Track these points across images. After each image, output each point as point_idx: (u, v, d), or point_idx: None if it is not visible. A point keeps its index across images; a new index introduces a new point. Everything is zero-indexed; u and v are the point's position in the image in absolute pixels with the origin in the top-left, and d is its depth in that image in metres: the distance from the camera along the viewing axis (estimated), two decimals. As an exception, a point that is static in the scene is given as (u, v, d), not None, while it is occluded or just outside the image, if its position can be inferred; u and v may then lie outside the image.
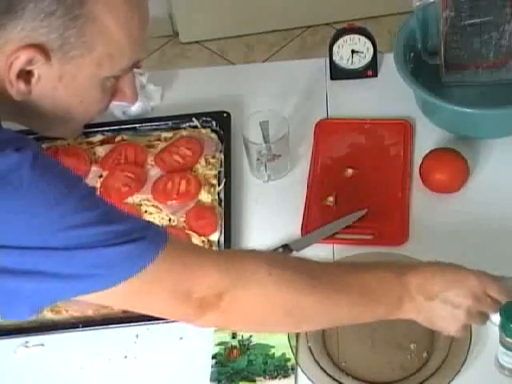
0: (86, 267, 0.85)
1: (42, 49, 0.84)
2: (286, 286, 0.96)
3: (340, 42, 1.48)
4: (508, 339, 1.04)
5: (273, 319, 0.98)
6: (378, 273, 1.01)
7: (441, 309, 1.01)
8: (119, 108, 1.49)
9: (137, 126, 1.48)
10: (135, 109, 1.49)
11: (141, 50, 0.93)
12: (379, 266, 1.04)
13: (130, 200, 1.36)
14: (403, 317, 1.02)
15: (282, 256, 1.16)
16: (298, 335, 1.15)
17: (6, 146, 0.82)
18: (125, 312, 1.21)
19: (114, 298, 0.90)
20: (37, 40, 0.84)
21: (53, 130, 0.98)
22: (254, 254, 1.01)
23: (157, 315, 0.98)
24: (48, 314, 1.22)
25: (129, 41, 0.89)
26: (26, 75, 0.86)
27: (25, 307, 0.88)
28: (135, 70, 1.41)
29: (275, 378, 1.12)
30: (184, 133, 1.46)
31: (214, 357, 1.15)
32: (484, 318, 1.04)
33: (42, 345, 1.21)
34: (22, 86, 0.86)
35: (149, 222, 0.95)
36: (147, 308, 0.95)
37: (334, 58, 1.50)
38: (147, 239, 0.87)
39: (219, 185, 1.36)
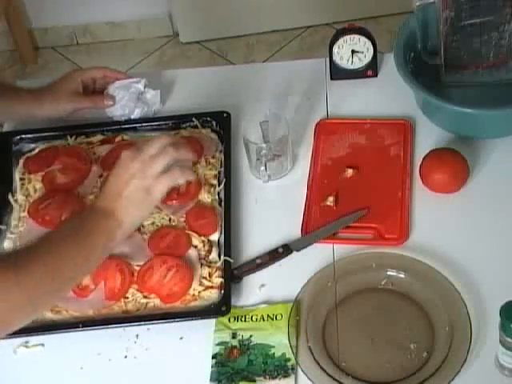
0: None
1: None
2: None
3: (340, 42, 1.48)
4: (508, 339, 1.04)
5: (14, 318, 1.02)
6: (72, 222, 1.15)
7: (131, 197, 1.14)
8: (119, 115, 1.49)
9: (137, 126, 1.48)
10: (135, 116, 1.49)
11: None
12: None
13: (130, 200, 1.36)
14: (123, 229, 1.14)
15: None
16: (298, 335, 1.16)
17: None
18: (125, 312, 1.22)
19: None
20: None
21: None
22: None
23: None
24: (48, 314, 1.22)
25: None
26: None
27: None
28: (131, 79, 1.47)
29: (275, 378, 1.12)
30: (184, 133, 1.46)
31: (214, 357, 1.15)
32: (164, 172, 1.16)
33: (42, 345, 1.21)
34: None
35: None
36: None
37: (333, 58, 1.50)
38: None
39: (219, 185, 1.36)
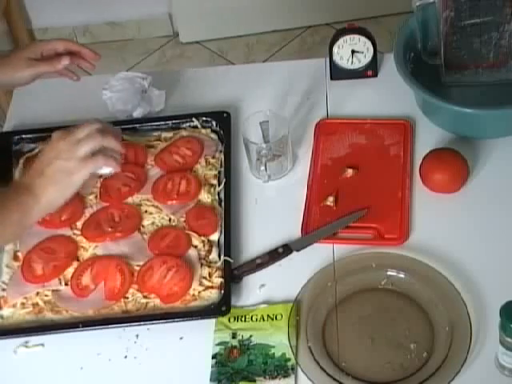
0: None
1: None
2: None
3: (340, 42, 1.48)
4: (508, 339, 1.04)
5: None
6: None
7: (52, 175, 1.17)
8: (122, 113, 1.49)
9: (137, 126, 1.48)
10: (136, 114, 1.49)
11: None
12: None
13: (129, 200, 1.36)
14: (40, 207, 1.17)
15: None
16: (298, 335, 1.16)
17: None
18: (125, 312, 1.22)
19: None
20: None
21: None
22: None
23: None
24: (48, 314, 1.22)
25: None
26: None
27: None
28: (137, 74, 1.44)
29: (275, 378, 1.12)
30: (184, 133, 1.46)
31: (214, 357, 1.15)
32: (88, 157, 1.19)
33: (42, 345, 1.21)
34: None
35: None
36: None
37: (333, 58, 1.50)
38: None
39: (219, 185, 1.36)
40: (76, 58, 1.44)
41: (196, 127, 1.46)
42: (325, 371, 1.11)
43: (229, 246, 1.26)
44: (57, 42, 1.45)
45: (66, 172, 1.18)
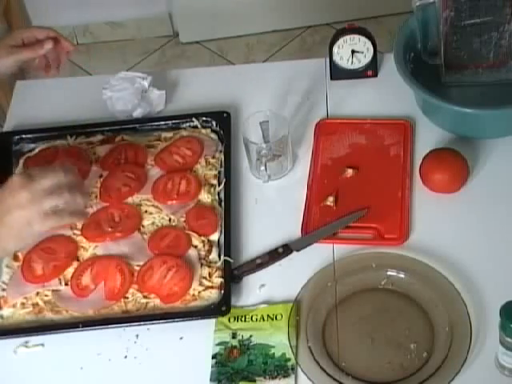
0: None
1: None
2: None
3: (340, 42, 1.48)
4: (508, 339, 1.04)
5: None
6: None
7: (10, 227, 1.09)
8: (121, 110, 1.49)
9: (137, 126, 1.48)
10: (136, 114, 1.49)
11: None
12: None
13: (129, 200, 1.36)
14: None
15: None
16: (298, 335, 1.16)
17: None
18: (125, 312, 1.22)
19: None
20: None
21: None
22: None
23: None
24: (48, 314, 1.22)
25: None
26: None
27: None
28: (137, 74, 1.40)
29: (275, 378, 1.12)
30: (184, 133, 1.46)
31: (214, 357, 1.15)
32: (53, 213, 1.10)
33: (42, 345, 1.21)
34: None
35: None
36: None
37: (334, 58, 1.50)
38: None
39: (219, 185, 1.36)
40: (57, 46, 1.43)
41: (196, 127, 1.46)
42: (325, 371, 1.11)
43: (229, 246, 1.26)
44: (37, 30, 1.43)
45: (26, 223, 1.09)
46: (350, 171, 1.37)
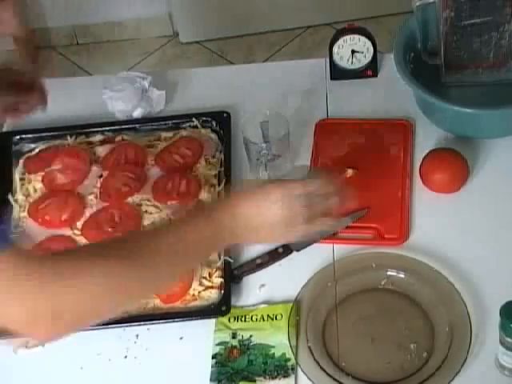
0: None
1: None
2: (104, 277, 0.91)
3: (340, 42, 1.48)
4: (508, 339, 1.04)
5: (101, 310, 0.95)
6: (187, 227, 1.01)
7: (264, 228, 1.05)
8: (122, 113, 1.49)
9: (137, 126, 1.48)
10: (136, 114, 1.49)
11: None
12: (185, 219, 1.04)
13: (129, 200, 1.36)
14: (231, 244, 1.10)
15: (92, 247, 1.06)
16: (298, 335, 1.15)
17: None
18: (125, 312, 1.21)
19: None
20: None
21: None
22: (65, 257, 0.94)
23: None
24: (48, 314, 1.22)
25: None
26: None
27: None
28: (137, 74, 1.36)
29: (275, 378, 1.12)
30: (184, 133, 1.46)
31: (214, 357, 1.15)
32: (317, 219, 1.08)
33: (42, 345, 1.20)
34: None
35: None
36: None
37: (334, 57, 1.50)
38: None
39: (219, 185, 1.36)
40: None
41: (196, 127, 1.46)
42: (325, 371, 1.11)
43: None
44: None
45: (286, 224, 1.06)
46: (349, 171, 1.37)
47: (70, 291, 0.88)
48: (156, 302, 1.22)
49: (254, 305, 1.21)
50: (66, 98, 1.57)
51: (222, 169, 1.38)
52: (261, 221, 1.05)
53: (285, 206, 1.05)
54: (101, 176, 1.40)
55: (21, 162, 1.44)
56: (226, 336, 1.17)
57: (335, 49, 1.49)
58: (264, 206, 1.05)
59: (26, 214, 1.35)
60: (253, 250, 1.28)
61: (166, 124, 1.47)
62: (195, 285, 1.22)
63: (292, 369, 1.13)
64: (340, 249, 1.27)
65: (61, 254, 0.94)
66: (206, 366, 1.15)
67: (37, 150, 1.45)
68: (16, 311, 0.86)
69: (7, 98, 1.24)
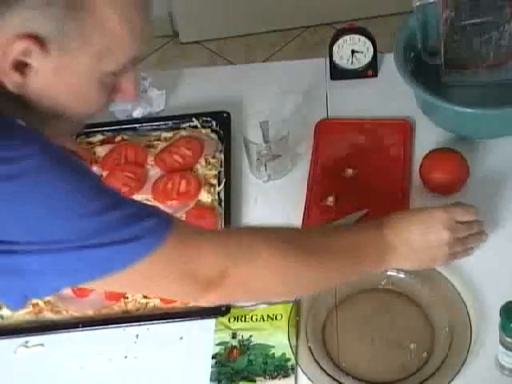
0: (114, 244, 0.85)
1: (39, 40, 0.81)
2: (282, 259, 0.99)
3: (340, 42, 1.48)
4: (508, 339, 1.04)
5: (271, 290, 1.03)
6: (360, 232, 1.09)
7: (423, 252, 1.11)
8: (122, 112, 1.49)
9: (137, 126, 1.48)
10: (136, 114, 1.49)
11: (142, 45, 0.90)
12: (357, 226, 1.16)
13: (130, 200, 1.36)
14: (389, 267, 1.14)
15: (274, 229, 1.11)
16: (297, 335, 1.15)
17: (10, 137, 0.81)
18: (125, 312, 1.22)
19: (127, 280, 0.89)
20: (34, 30, 0.81)
21: (49, 126, 0.94)
22: (249, 231, 1.06)
23: (162, 296, 1.02)
24: (48, 314, 1.22)
25: (130, 35, 0.86)
26: (22, 67, 0.83)
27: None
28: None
29: (275, 377, 1.12)
30: (184, 133, 1.46)
31: (213, 357, 1.15)
32: (465, 245, 1.16)
33: (42, 345, 1.21)
34: (17, 77, 0.83)
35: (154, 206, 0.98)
36: (154, 289, 0.98)
37: (334, 58, 1.50)
38: (159, 218, 0.89)
39: (219, 185, 1.36)
40: None
41: (196, 127, 1.46)
42: (325, 371, 1.11)
43: (229, 245, 1.26)
44: None
45: (434, 254, 1.13)
46: (349, 171, 1.37)
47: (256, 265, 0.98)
48: (156, 302, 1.21)
49: (253, 305, 1.21)
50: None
51: (222, 169, 1.38)
52: (424, 244, 1.11)
53: (450, 231, 1.11)
54: (101, 176, 1.40)
55: (21, 162, 1.43)
56: (225, 336, 1.17)
57: (335, 49, 1.49)
58: (430, 229, 1.11)
59: (25, 213, 1.35)
60: (253, 250, 1.28)
61: (166, 124, 1.47)
62: (195, 285, 1.22)
63: (292, 369, 1.13)
64: (340, 249, 1.27)
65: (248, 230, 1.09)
66: (206, 366, 1.15)
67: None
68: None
69: None
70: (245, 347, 1.16)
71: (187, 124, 1.47)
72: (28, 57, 0.82)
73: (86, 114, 0.94)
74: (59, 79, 0.86)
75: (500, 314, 1.03)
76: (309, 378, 1.11)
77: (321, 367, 1.12)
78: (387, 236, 1.08)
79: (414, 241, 1.10)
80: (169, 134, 1.46)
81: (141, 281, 0.91)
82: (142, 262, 0.87)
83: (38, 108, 0.89)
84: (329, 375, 1.11)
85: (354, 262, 1.07)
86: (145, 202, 1.34)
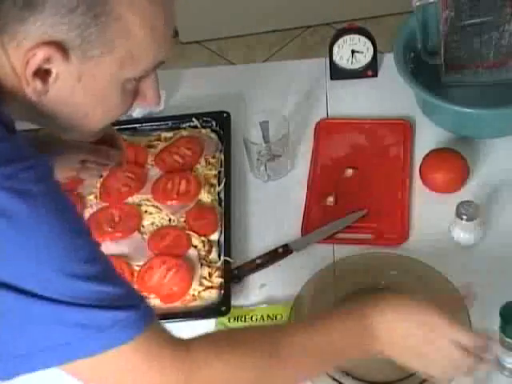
0: (75, 326, 0.78)
1: (61, 47, 0.80)
2: (240, 368, 0.89)
3: (340, 42, 1.48)
4: (508, 340, 1.04)
5: None
6: (337, 332, 0.95)
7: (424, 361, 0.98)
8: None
9: (137, 126, 1.48)
10: (136, 114, 1.49)
11: (165, 50, 0.88)
12: (338, 320, 0.97)
13: (129, 200, 1.36)
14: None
15: (227, 335, 0.99)
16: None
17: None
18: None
19: (73, 368, 0.81)
20: (56, 37, 0.79)
21: (70, 132, 0.93)
22: (200, 341, 0.90)
23: None
24: (48, 314, 1.21)
25: (152, 41, 0.85)
26: (43, 74, 0.82)
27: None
28: None
29: (275, 378, 1.12)
30: (184, 133, 1.46)
31: (213, 357, 1.15)
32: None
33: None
34: (38, 84, 0.82)
35: (140, 294, 0.89)
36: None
37: (334, 58, 1.50)
38: (136, 312, 0.82)
39: (219, 185, 1.36)
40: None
41: (196, 127, 1.46)
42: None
43: (229, 246, 1.26)
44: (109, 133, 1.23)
45: (454, 366, 0.98)
46: (349, 171, 1.37)
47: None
48: (156, 302, 1.21)
49: (253, 305, 1.21)
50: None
51: (222, 169, 1.38)
52: (426, 351, 0.97)
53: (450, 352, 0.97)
54: (101, 176, 1.40)
55: (21, 162, 1.43)
56: (225, 336, 1.17)
57: (335, 49, 1.49)
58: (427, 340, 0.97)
59: (25, 213, 1.35)
60: (253, 250, 1.28)
61: (166, 124, 1.47)
62: (195, 285, 1.22)
63: (292, 369, 1.12)
64: (340, 249, 1.27)
65: (198, 341, 0.89)
66: (206, 366, 1.14)
67: (37, 150, 1.45)
68: None
69: (82, 156, 1.25)
70: (245, 347, 1.15)
71: (187, 124, 1.47)
72: (50, 63, 0.81)
73: (107, 119, 0.92)
74: (80, 86, 0.84)
75: (500, 315, 1.03)
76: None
77: (321, 367, 1.11)
78: (377, 330, 0.95)
79: (409, 339, 0.97)
80: (169, 134, 1.46)
81: (88, 374, 0.83)
82: (98, 356, 0.79)
83: (57, 114, 0.87)
84: (329, 375, 1.10)
85: (331, 360, 0.98)
86: (144, 204, 1.35)
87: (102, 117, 0.91)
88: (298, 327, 0.98)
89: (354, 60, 1.50)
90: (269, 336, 0.93)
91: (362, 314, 0.96)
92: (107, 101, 0.89)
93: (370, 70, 1.52)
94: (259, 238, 1.30)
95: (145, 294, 1.22)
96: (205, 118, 1.46)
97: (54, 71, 0.82)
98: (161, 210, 1.34)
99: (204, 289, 1.22)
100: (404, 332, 0.96)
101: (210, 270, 1.24)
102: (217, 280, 1.23)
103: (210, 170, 1.39)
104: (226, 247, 1.26)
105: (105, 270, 0.82)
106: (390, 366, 1.11)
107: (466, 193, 1.31)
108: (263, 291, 1.24)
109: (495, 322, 1.05)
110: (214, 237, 1.29)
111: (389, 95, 1.49)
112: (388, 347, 0.97)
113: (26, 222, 0.76)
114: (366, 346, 0.96)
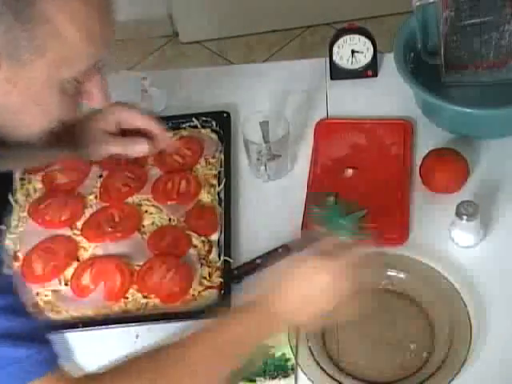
0: None
1: None
2: None
3: (340, 42, 1.48)
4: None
5: None
6: (224, 334, 0.99)
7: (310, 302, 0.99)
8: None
9: (137, 125, 1.48)
10: None
11: (102, 50, 0.87)
12: (234, 317, 1.01)
13: (129, 200, 1.36)
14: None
15: (113, 368, 0.99)
16: (298, 335, 1.15)
17: None
18: (125, 312, 1.22)
19: None
20: None
21: (13, 135, 0.92)
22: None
23: None
24: (48, 314, 1.22)
25: (86, 42, 0.84)
26: None
27: None
28: (137, 74, 1.34)
29: (275, 377, 1.12)
30: (184, 133, 1.46)
31: (213, 357, 1.15)
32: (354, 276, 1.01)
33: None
34: None
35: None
36: None
37: (333, 58, 1.50)
38: (48, 353, 0.87)
39: (219, 185, 1.36)
40: (155, 142, 1.25)
41: (196, 127, 1.46)
42: (325, 371, 1.11)
43: (229, 246, 1.26)
44: (136, 115, 1.25)
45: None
46: (349, 171, 1.37)
47: None
48: (156, 302, 1.22)
49: (253, 305, 1.21)
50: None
51: (222, 169, 1.38)
52: (308, 300, 0.99)
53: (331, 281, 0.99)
54: (101, 176, 1.40)
55: (21, 162, 1.44)
56: (225, 336, 1.17)
57: (335, 49, 1.49)
58: (309, 286, 0.99)
59: (26, 214, 1.35)
60: (253, 250, 1.28)
61: (166, 124, 1.47)
62: (195, 285, 1.22)
63: (292, 369, 1.13)
64: (340, 249, 1.27)
65: (93, 379, 0.94)
66: (206, 366, 1.14)
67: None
68: None
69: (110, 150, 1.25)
70: (245, 347, 1.16)
71: (187, 124, 1.47)
72: None
73: (49, 121, 0.91)
74: (16, 90, 0.84)
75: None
76: (309, 378, 1.11)
77: (321, 367, 1.12)
78: (268, 310, 0.98)
79: (295, 300, 0.99)
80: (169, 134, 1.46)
81: None
82: None
83: None
84: (329, 375, 1.11)
85: (227, 361, 0.98)
86: (144, 204, 1.35)
87: (43, 117, 0.91)
88: (179, 345, 1.00)
89: (353, 60, 1.50)
90: (154, 360, 0.96)
91: (253, 303, 0.99)
92: (46, 102, 0.88)
93: (370, 70, 1.52)
94: (259, 237, 1.30)
95: (145, 293, 1.22)
96: (205, 118, 1.46)
97: None
98: (161, 210, 1.34)
99: (204, 289, 1.22)
100: (293, 292, 0.99)
101: (209, 269, 1.24)
102: (217, 280, 1.23)
103: (210, 170, 1.39)
104: (226, 247, 1.26)
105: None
106: (390, 365, 1.12)
107: (465, 193, 1.31)
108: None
109: (495, 322, 1.06)
110: (214, 237, 1.29)
111: (389, 95, 1.49)
112: (290, 315, 0.99)
113: None
114: (269, 327, 0.99)
